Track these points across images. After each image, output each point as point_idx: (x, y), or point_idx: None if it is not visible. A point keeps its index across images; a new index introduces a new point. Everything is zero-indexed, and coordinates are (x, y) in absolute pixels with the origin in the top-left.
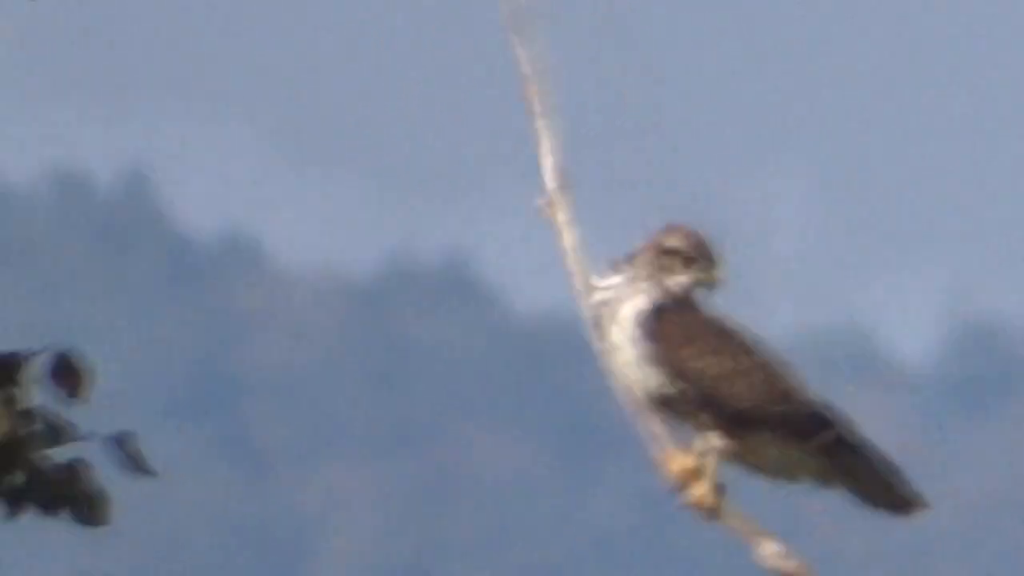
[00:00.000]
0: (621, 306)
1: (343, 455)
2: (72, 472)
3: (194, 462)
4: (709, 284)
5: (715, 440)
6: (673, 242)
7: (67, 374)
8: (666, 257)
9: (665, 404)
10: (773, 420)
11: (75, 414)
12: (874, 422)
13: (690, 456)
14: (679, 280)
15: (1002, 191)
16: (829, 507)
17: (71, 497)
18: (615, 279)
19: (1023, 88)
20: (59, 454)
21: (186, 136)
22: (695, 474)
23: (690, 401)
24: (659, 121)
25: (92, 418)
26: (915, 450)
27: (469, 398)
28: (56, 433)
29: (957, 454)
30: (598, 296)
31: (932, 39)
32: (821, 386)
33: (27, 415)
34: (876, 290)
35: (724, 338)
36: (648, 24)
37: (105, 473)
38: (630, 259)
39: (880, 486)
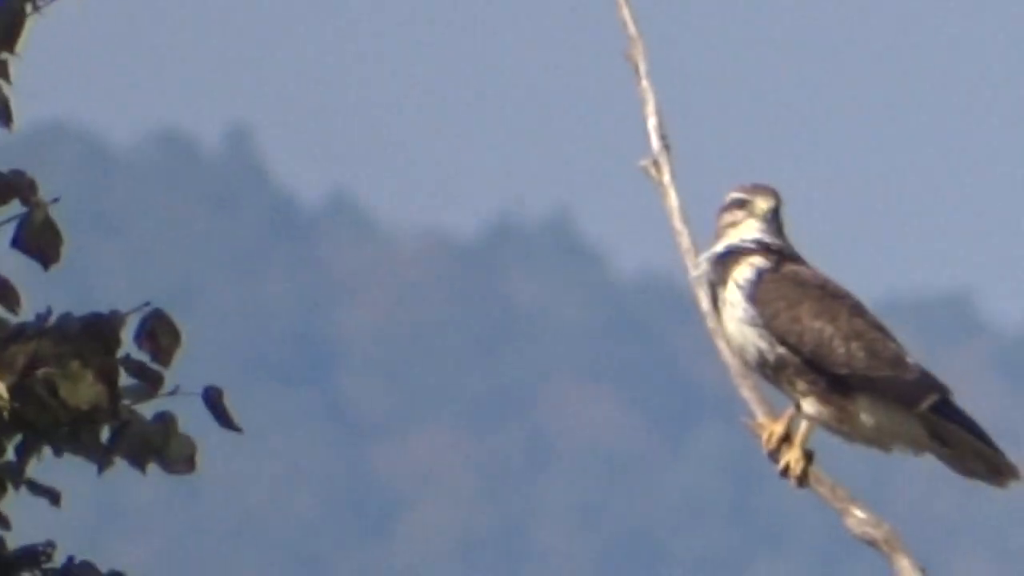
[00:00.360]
0: (727, 269)
1: (441, 419)
2: (160, 424)
3: (290, 422)
4: (758, 215)
5: (809, 407)
6: (731, 195)
7: (157, 334)
8: (728, 212)
9: (766, 368)
10: (876, 384)
11: (172, 371)
12: (970, 389)
13: (782, 422)
14: (746, 230)
15: None
16: (918, 474)
17: (159, 448)
18: (717, 244)
19: None
20: (148, 408)
21: (292, 96)
22: (787, 440)
23: (792, 365)
24: (758, 88)
25: (190, 375)
26: (1007, 415)
27: (570, 361)
28: (145, 388)
29: None
30: (703, 259)
31: None
32: (920, 351)
33: (117, 370)
34: (978, 255)
35: (828, 302)
36: None
37: (196, 429)
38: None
39: (976, 454)
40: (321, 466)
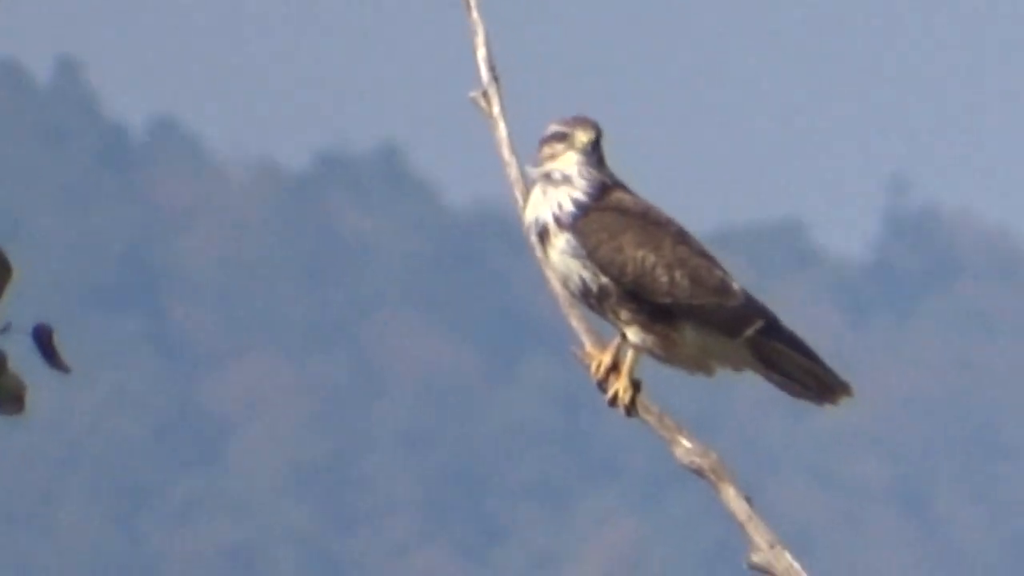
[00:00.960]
0: (549, 199)
1: (270, 347)
2: None
3: (119, 351)
4: (577, 148)
5: (634, 335)
6: (551, 127)
7: None
8: (548, 145)
9: (591, 298)
10: (700, 312)
11: (3, 306)
12: (805, 318)
13: (610, 352)
14: (565, 162)
15: (941, 85)
16: (744, 404)
17: None
18: (537, 172)
19: None
20: None
21: (122, 27)
22: (615, 370)
23: (615, 295)
24: (594, 16)
25: (19, 308)
26: (843, 343)
27: (400, 291)
28: None
29: (883, 348)
30: (528, 189)
31: None
32: (751, 279)
33: None
34: (810, 185)
35: (650, 230)
36: None
37: (25, 364)
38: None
39: (806, 373)
40: (149, 394)
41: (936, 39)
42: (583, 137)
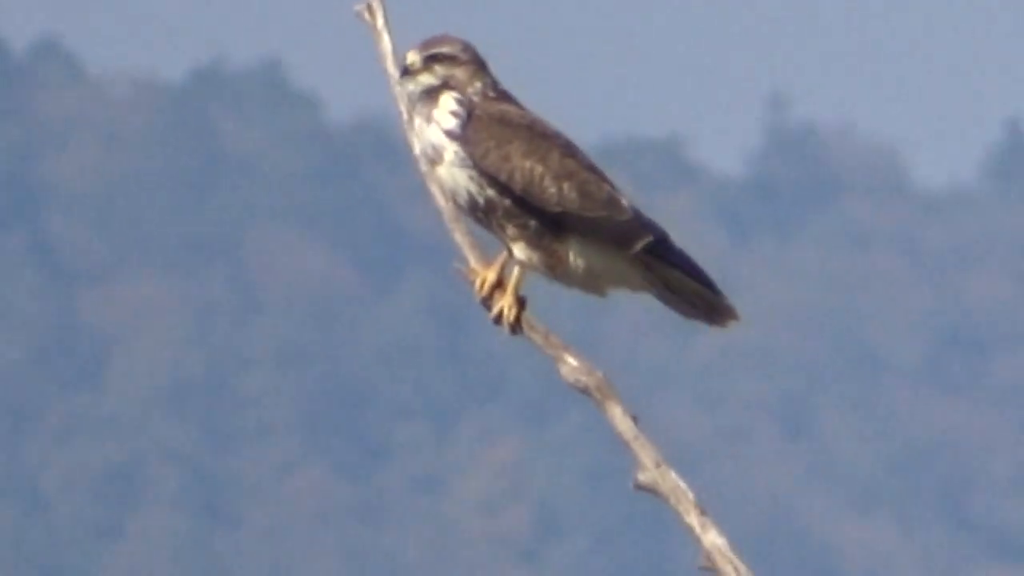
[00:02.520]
0: (430, 111)
1: (149, 264)
2: None
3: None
4: (407, 69)
5: (520, 251)
6: (417, 52)
7: None
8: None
9: (476, 211)
10: (588, 225)
11: None
12: (686, 232)
13: (495, 268)
14: (426, 79)
15: (820, 1)
16: (629, 323)
17: None
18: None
19: None
20: None
21: None
22: (500, 287)
23: (501, 208)
24: None
25: None
26: (725, 260)
27: (280, 206)
28: None
29: (765, 265)
30: (406, 99)
31: None
32: (635, 194)
33: None
34: (692, 99)
35: (538, 141)
36: None
37: None
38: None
39: (694, 296)
40: (27, 312)
41: None
42: (409, 57)
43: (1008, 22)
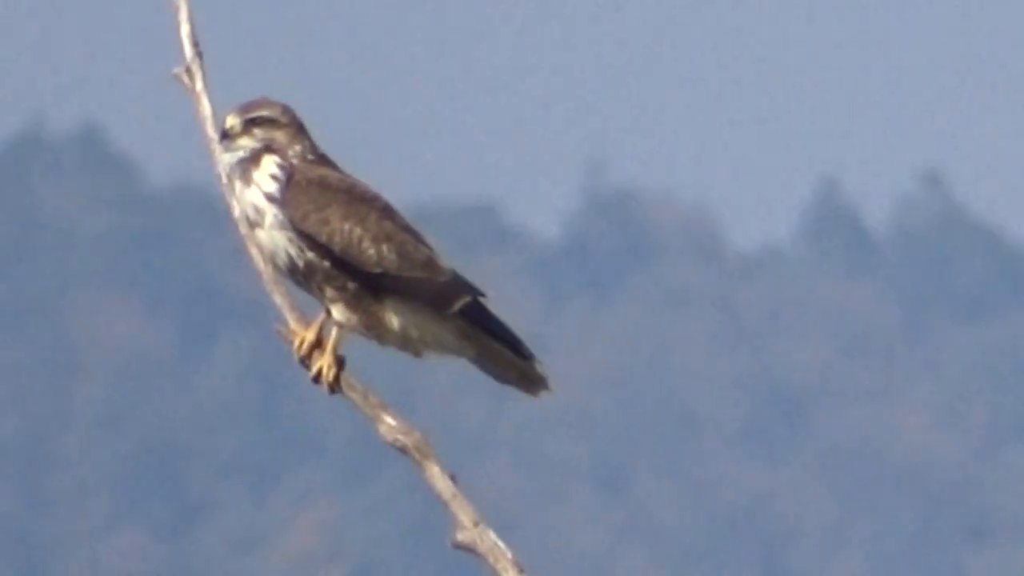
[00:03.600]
0: (248, 175)
1: None
2: None
3: None
4: (226, 133)
5: (339, 313)
6: (237, 116)
7: None
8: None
9: (295, 273)
10: (406, 286)
11: None
12: (503, 295)
13: (314, 328)
14: (245, 143)
15: (637, 63)
16: (448, 382)
17: None
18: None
19: None
20: None
21: None
22: (319, 347)
23: (321, 271)
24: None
25: None
26: (541, 323)
27: (98, 270)
28: None
29: (581, 327)
30: (226, 164)
31: None
32: (453, 257)
33: None
34: (511, 163)
35: (357, 204)
36: None
37: None
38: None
39: (507, 363)
40: None
41: (635, 29)
42: (229, 120)
43: (823, 89)
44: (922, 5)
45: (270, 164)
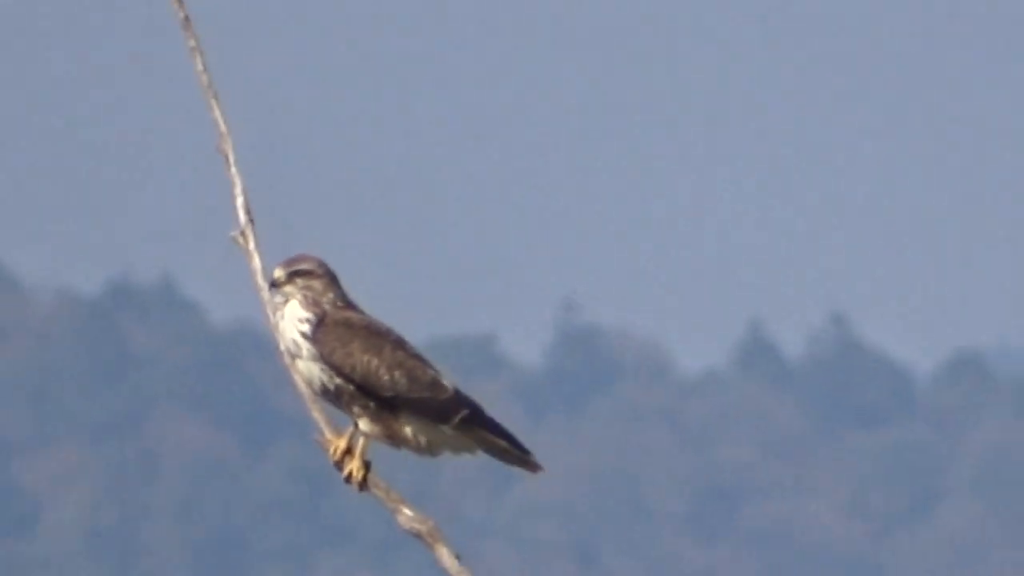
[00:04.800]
0: (291, 316)
1: (72, 438)
2: None
3: None
4: (274, 282)
5: (365, 425)
6: (280, 271)
7: None
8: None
9: (328, 395)
10: (415, 404)
11: None
12: (498, 414)
13: (345, 438)
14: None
15: (608, 214)
16: (455, 478)
17: None
18: (279, 295)
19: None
20: None
21: None
22: (349, 453)
23: (347, 393)
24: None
25: None
26: (527, 434)
27: (172, 393)
28: None
29: (559, 436)
30: (273, 307)
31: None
32: (456, 379)
33: None
34: (498, 302)
35: (373, 339)
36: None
37: None
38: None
39: (503, 453)
40: None
41: (597, 178)
42: (276, 273)
43: (751, 245)
44: (825, 176)
45: (305, 310)
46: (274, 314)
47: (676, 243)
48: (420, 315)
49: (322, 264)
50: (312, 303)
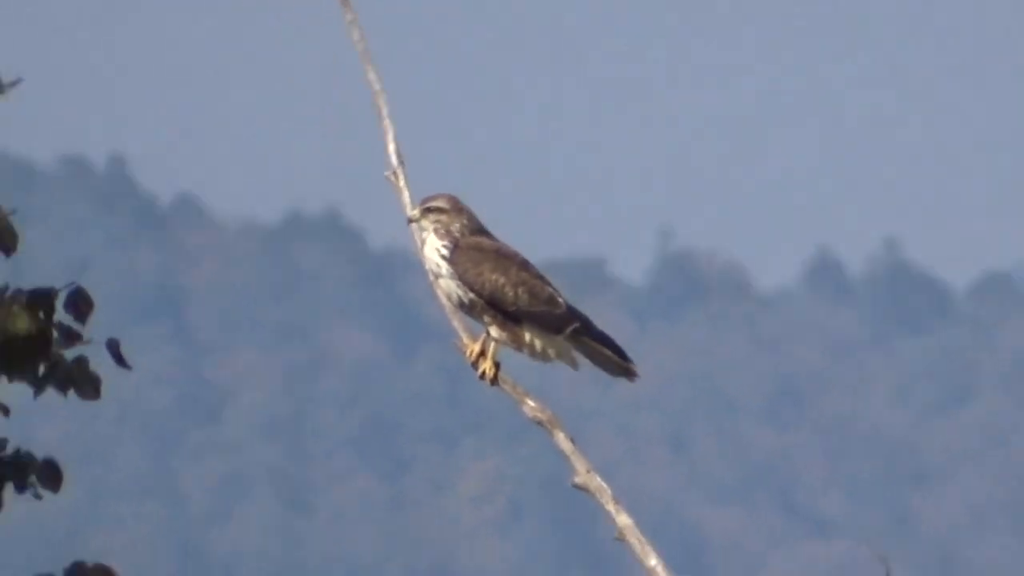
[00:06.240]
0: (431, 246)
1: (251, 343)
2: (77, 364)
3: (150, 352)
4: (411, 219)
5: (494, 332)
6: (421, 206)
7: (79, 303)
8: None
9: (464, 307)
10: (535, 317)
11: (88, 325)
12: (605, 322)
13: (479, 342)
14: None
15: (699, 153)
16: (569, 376)
17: (77, 380)
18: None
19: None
20: (70, 352)
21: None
22: (483, 355)
23: (479, 305)
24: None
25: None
26: (633, 341)
27: (337, 305)
28: (69, 338)
29: (658, 344)
30: (416, 235)
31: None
32: (570, 295)
33: (51, 326)
34: (607, 230)
35: (501, 260)
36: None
37: (98, 365)
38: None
39: (607, 362)
40: (170, 372)
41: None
42: (411, 211)
43: (822, 174)
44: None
45: (439, 239)
46: (420, 242)
47: (757, 178)
48: (542, 240)
49: (450, 199)
50: (445, 233)
